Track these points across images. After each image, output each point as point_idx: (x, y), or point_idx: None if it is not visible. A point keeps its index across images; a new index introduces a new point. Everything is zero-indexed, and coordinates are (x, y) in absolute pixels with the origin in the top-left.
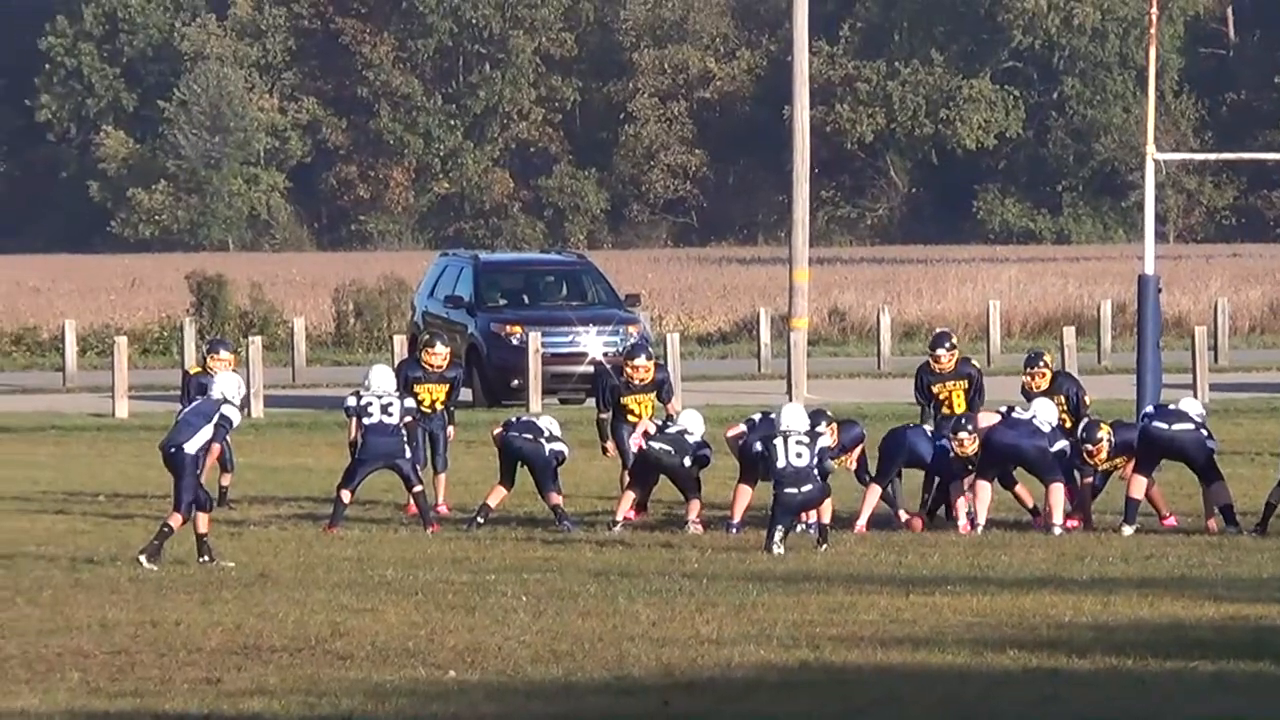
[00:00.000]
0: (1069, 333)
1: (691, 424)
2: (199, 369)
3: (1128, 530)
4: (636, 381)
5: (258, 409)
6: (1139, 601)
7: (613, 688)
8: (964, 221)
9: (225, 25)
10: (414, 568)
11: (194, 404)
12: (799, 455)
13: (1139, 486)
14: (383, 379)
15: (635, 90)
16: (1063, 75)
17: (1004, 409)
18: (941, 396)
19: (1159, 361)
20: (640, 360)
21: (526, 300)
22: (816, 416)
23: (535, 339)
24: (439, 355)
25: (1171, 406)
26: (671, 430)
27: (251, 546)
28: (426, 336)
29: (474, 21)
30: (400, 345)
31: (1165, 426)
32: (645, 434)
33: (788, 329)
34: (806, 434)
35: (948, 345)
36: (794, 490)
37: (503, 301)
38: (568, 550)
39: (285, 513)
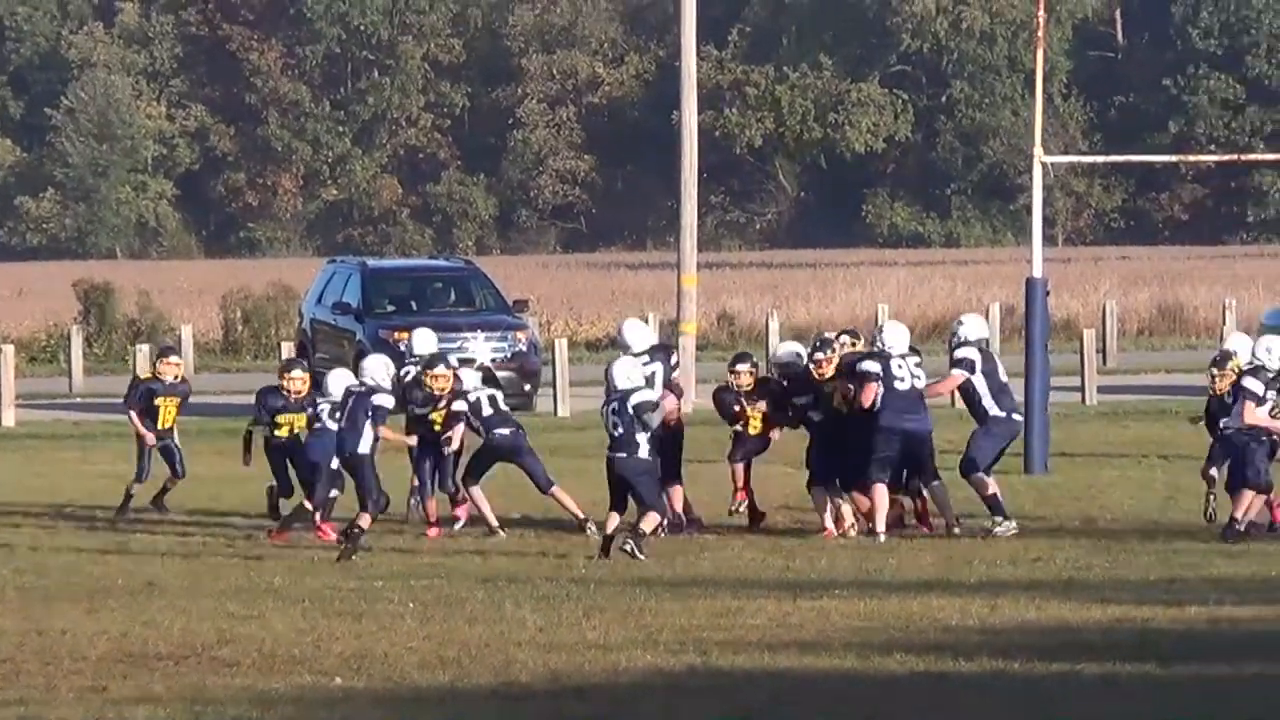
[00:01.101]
0: None
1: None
2: (150, 374)
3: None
4: (435, 391)
5: None
6: (1026, 604)
7: (500, 694)
8: (853, 225)
9: (113, 33)
10: (301, 574)
11: (351, 404)
12: (615, 425)
13: (988, 483)
14: (336, 386)
15: (524, 96)
16: (951, 79)
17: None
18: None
19: (1047, 365)
20: (439, 370)
21: (414, 306)
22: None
23: None
24: (298, 380)
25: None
26: (498, 405)
27: (138, 554)
28: (283, 362)
29: (362, 28)
30: (288, 353)
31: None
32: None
33: (676, 334)
34: (620, 397)
35: (750, 363)
36: (623, 455)
37: (391, 308)
38: (455, 557)
39: (173, 520)
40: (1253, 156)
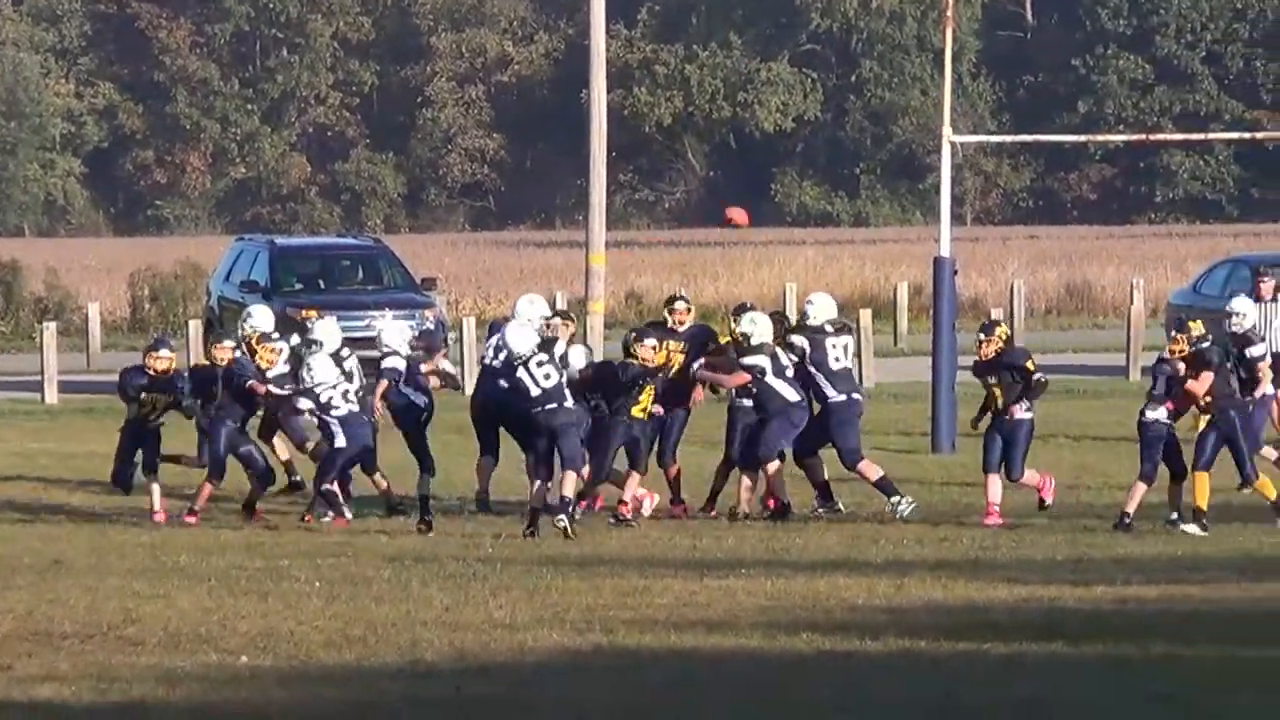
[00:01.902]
0: (865, 315)
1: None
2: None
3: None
4: (262, 365)
5: (52, 395)
6: (933, 584)
7: (406, 673)
8: (761, 204)
9: (21, 10)
10: (207, 553)
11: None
12: (547, 376)
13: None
14: (324, 370)
15: (433, 74)
16: (861, 58)
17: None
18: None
19: (955, 343)
20: (272, 344)
21: (322, 285)
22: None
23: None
24: (164, 359)
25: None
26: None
27: (45, 533)
28: (152, 340)
29: (271, 6)
30: (196, 330)
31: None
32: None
33: (585, 312)
34: (545, 353)
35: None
36: (553, 406)
37: (298, 286)
38: (361, 536)
39: (79, 499)
40: (1161, 137)
